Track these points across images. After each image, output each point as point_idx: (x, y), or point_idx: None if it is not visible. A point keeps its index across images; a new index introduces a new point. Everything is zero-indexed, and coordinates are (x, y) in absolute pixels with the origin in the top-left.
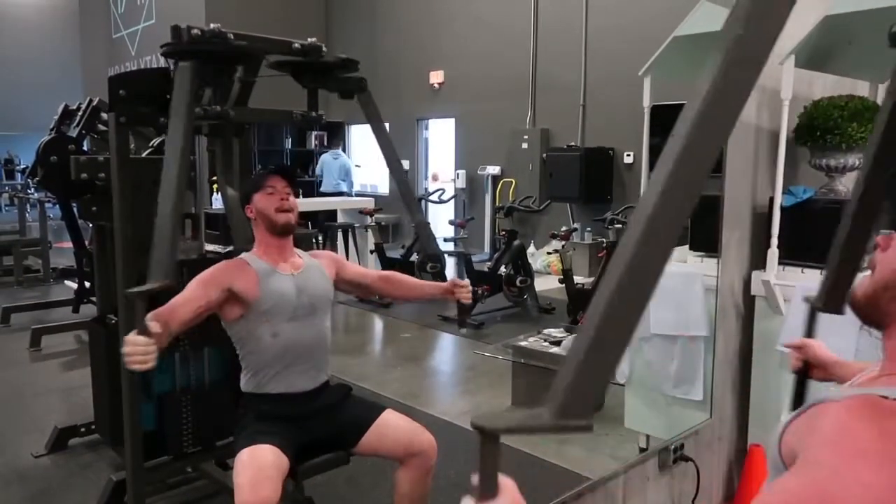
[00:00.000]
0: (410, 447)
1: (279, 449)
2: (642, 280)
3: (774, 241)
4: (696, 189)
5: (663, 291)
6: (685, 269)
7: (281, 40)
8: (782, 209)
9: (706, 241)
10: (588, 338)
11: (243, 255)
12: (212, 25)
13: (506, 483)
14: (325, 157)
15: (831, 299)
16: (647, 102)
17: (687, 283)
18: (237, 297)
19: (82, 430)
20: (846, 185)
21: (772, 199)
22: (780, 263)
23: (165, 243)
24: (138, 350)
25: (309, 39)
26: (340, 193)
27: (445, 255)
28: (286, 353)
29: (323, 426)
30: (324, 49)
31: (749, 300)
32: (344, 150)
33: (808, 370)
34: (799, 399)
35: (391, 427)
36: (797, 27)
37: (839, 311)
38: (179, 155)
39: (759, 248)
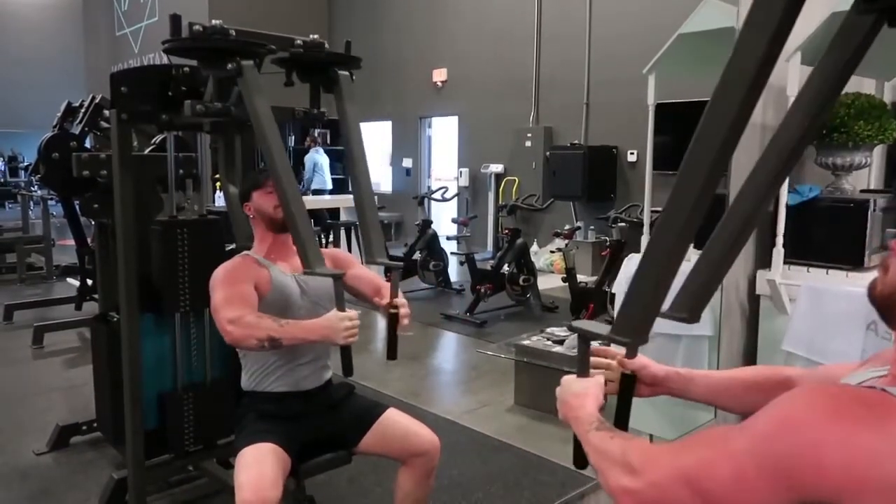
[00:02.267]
0: (413, 447)
1: (281, 448)
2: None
3: (780, 239)
4: None
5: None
6: (689, 267)
7: (283, 37)
8: (788, 208)
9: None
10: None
11: (246, 252)
12: (214, 22)
13: (597, 377)
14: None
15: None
16: (651, 100)
17: None
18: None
19: (84, 427)
20: (853, 183)
21: (777, 198)
22: (785, 262)
23: (310, 235)
24: (354, 323)
25: (311, 36)
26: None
27: (448, 254)
28: (288, 351)
29: (325, 425)
30: (326, 46)
31: (754, 299)
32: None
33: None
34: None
35: (394, 426)
36: (804, 24)
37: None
38: (284, 156)
39: (764, 247)
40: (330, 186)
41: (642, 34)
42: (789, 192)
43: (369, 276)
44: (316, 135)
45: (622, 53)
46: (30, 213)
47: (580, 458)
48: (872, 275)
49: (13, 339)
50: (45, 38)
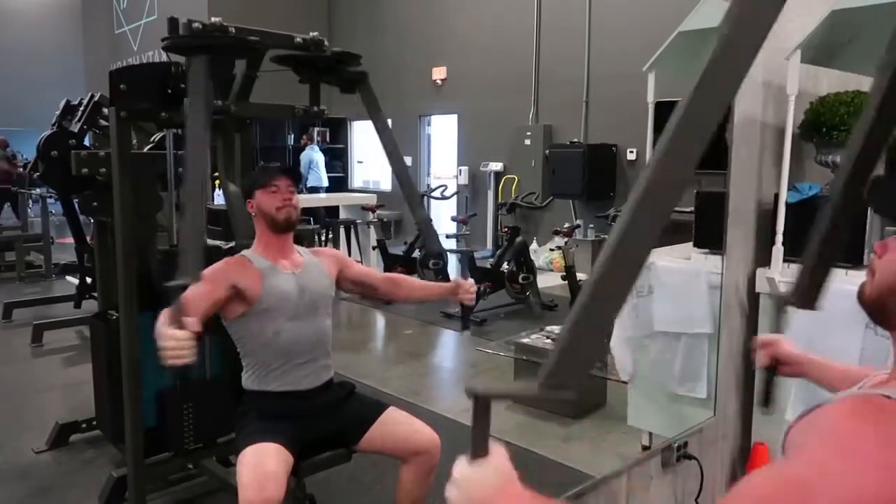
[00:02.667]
0: (414, 445)
1: (283, 446)
2: (631, 256)
3: (779, 238)
4: (687, 169)
5: (667, 288)
6: (689, 266)
7: (283, 34)
8: (787, 206)
9: (710, 237)
10: (575, 317)
11: (243, 252)
12: (213, 19)
13: (496, 448)
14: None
15: (806, 297)
16: (651, 98)
17: (691, 280)
18: (241, 294)
19: (83, 425)
20: None
21: (777, 196)
22: (784, 261)
23: (196, 239)
24: (180, 344)
25: (311, 34)
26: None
27: (447, 252)
28: (288, 351)
29: (326, 424)
30: (325, 43)
31: (754, 297)
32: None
33: (776, 366)
34: (767, 395)
35: (394, 424)
36: (804, 22)
37: (813, 308)
38: (201, 153)
39: (764, 245)
40: (326, 184)
41: (642, 31)
42: (789, 190)
43: (371, 272)
44: (312, 132)
45: (622, 51)
46: (28, 210)
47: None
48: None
49: (13, 337)
50: (44, 36)
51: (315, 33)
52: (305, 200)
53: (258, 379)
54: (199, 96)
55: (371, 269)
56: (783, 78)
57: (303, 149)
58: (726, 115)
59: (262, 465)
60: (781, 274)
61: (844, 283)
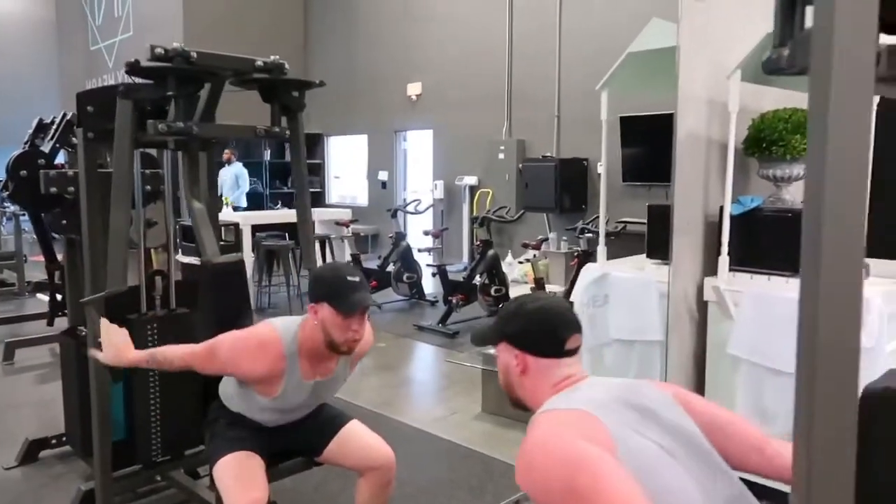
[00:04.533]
0: (369, 460)
1: (255, 454)
2: None
3: (725, 248)
4: None
5: (621, 298)
6: (641, 276)
7: (245, 58)
8: (732, 218)
9: (661, 248)
10: None
11: (283, 337)
12: (175, 45)
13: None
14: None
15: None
16: (604, 115)
17: (643, 289)
18: (254, 380)
19: (53, 441)
20: (793, 194)
21: (722, 208)
22: (730, 270)
23: (119, 254)
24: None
25: (272, 57)
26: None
27: (420, 266)
28: (268, 419)
29: (291, 433)
30: (286, 67)
31: (702, 305)
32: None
33: None
34: None
35: (353, 439)
36: (746, 42)
37: None
38: (125, 179)
39: (711, 255)
40: (245, 204)
41: (610, 50)
42: (733, 202)
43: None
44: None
45: (591, 68)
46: (1, 228)
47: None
48: None
49: None
50: (18, 53)
51: (275, 57)
52: (280, 216)
53: (231, 404)
54: (124, 130)
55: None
56: (726, 96)
57: (223, 164)
58: (671, 130)
59: (243, 470)
60: (727, 283)
61: (785, 291)
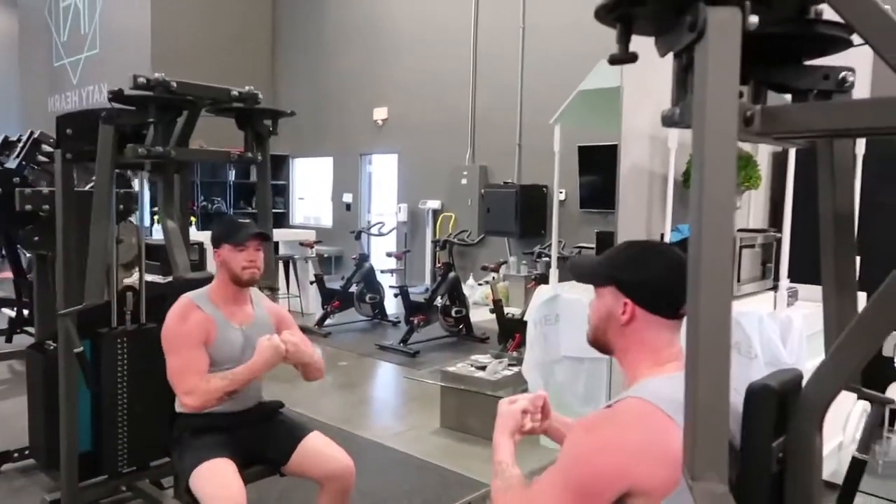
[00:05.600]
0: (330, 470)
1: (228, 458)
2: None
3: None
4: None
5: (571, 317)
6: (590, 296)
7: (221, 88)
8: (671, 244)
9: None
10: None
11: (193, 296)
12: (156, 75)
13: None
14: None
15: None
16: (557, 147)
17: None
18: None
19: (16, 455)
20: None
21: (662, 235)
22: None
23: (98, 269)
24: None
25: (246, 87)
26: None
27: (382, 287)
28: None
29: (254, 439)
30: (259, 97)
31: None
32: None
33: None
34: None
35: (314, 450)
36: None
37: None
38: (106, 198)
39: None
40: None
41: (569, 83)
42: (672, 230)
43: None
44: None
45: (551, 99)
46: None
47: None
48: (743, 303)
49: None
50: None
51: (250, 87)
52: None
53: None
54: (106, 154)
55: (304, 339)
56: (667, 133)
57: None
58: (614, 162)
59: (222, 477)
60: None
61: None
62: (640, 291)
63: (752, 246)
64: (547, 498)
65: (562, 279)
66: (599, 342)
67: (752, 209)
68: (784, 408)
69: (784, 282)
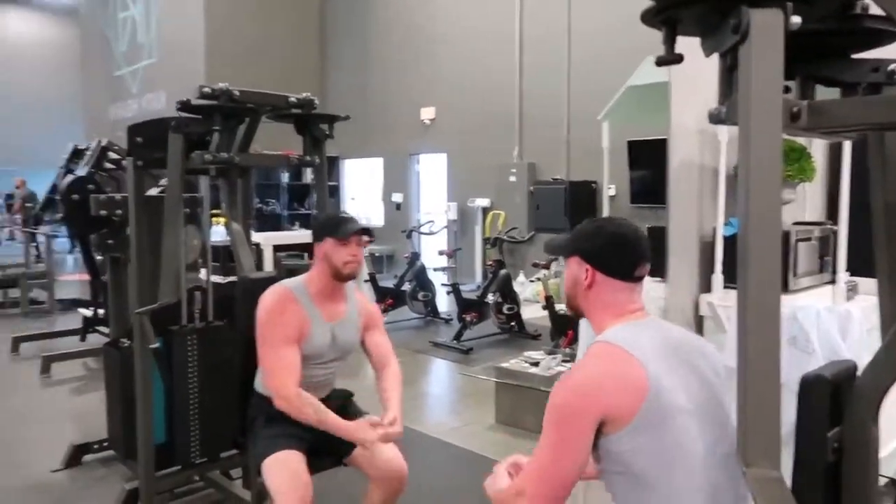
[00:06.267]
0: (387, 471)
1: (298, 451)
2: None
3: (718, 266)
4: None
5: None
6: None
7: (279, 95)
8: (724, 238)
9: (660, 267)
10: None
11: (292, 287)
12: (220, 84)
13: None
14: None
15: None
16: (605, 144)
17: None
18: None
19: (95, 446)
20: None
21: (715, 230)
22: (725, 287)
23: (172, 270)
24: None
25: (303, 94)
26: None
27: (434, 285)
28: (306, 383)
29: (324, 430)
30: (316, 102)
31: (698, 320)
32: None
33: None
34: None
35: (378, 448)
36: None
37: None
38: (177, 203)
39: (705, 273)
40: None
41: (618, 77)
42: (725, 224)
43: (383, 346)
44: None
45: (600, 93)
46: (34, 248)
47: None
48: (800, 297)
49: (21, 369)
50: (43, 79)
51: (307, 94)
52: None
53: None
54: (176, 160)
55: (384, 343)
56: (717, 127)
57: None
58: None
59: (289, 469)
60: (721, 299)
61: None
62: (597, 258)
63: (809, 239)
64: (540, 453)
65: None
66: (572, 306)
67: (808, 202)
68: (839, 398)
69: (842, 275)
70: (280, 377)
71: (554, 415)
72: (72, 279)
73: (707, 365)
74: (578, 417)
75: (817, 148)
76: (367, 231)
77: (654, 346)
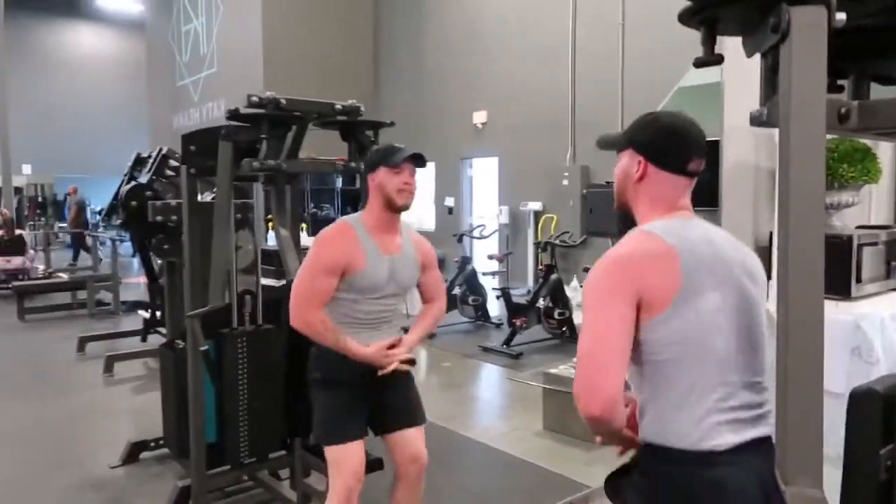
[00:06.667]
0: (412, 463)
1: (359, 438)
2: None
3: (774, 272)
4: None
5: None
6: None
7: (326, 103)
8: None
9: None
10: None
11: (351, 221)
12: (268, 93)
13: None
14: None
15: None
16: None
17: None
18: (343, 272)
19: (152, 444)
20: (842, 220)
21: (771, 234)
22: None
23: (221, 274)
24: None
25: (349, 101)
26: None
27: (485, 289)
28: (361, 320)
29: (378, 405)
30: (362, 109)
31: None
32: None
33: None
34: None
35: (412, 440)
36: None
37: None
38: (226, 209)
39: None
40: None
41: (671, 78)
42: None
43: (434, 284)
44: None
45: (653, 95)
46: (100, 253)
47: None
48: (864, 304)
49: (86, 367)
50: (113, 91)
51: (353, 101)
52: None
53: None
54: (225, 168)
55: (437, 282)
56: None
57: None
58: (716, 158)
59: (350, 470)
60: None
61: (833, 314)
62: (651, 149)
63: (875, 244)
64: (583, 337)
65: None
66: (621, 203)
67: (873, 204)
68: (892, 413)
69: None
70: (306, 301)
71: (591, 297)
72: (136, 282)
73: (744, 272)
74: (616, 293)
75: (885, 148)
76: (419, 157)
77: (695, 243)
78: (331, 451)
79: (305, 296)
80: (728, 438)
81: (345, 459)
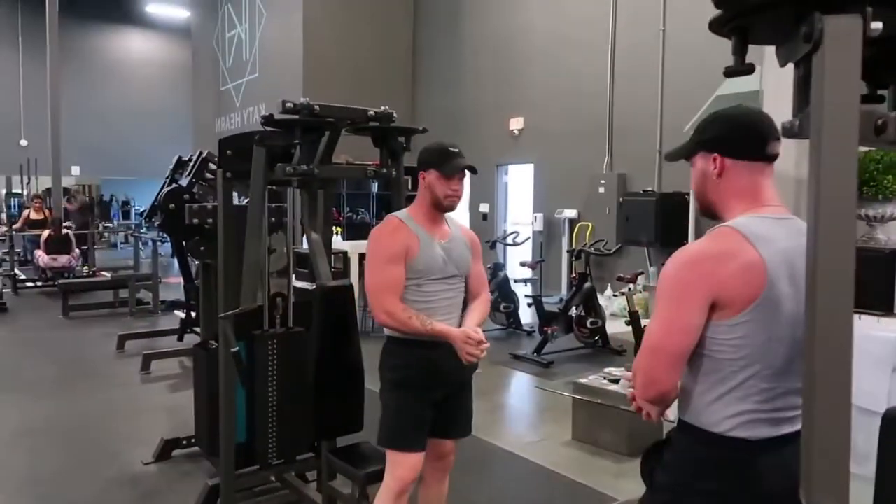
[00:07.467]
0: (439, 460)
1: (423, 451)
2: None
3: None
4: None
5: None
6: None
7: (359, 109)
8: None
9: None
10: None
11: (399, 215)
12: (301, 99)
13: None
14: None
15: None
16: None
17: None
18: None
19: (184, 442)
20: (887, 233)
21: None
22: None
23: (253, 277)
24: (482, 348)
25: (382, 107)
26: None
27: (517, 297)
28: (429, 302)
29: (441, 412)
30: (394, 115)
31: None
32: None
33: None
34: None
35: (450, 452)
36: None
37: None
38: (259, 212)
39: None
40: None
41: (711, 85)
42: None
43: (479, 276)
44: None
45: (693, 103)
46: (140, 253)
47: None
48: None
49: (125, 365)
50: (159, 95)
51: (385, 107)
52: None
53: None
54: (259, 172)
55: (481, 274)
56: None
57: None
58: None
59: (408, 480)
60: None
61: (875, 330)
62: (723, 142)
63: None
64: (652, 328)
65: None
66: (703, 206)
67: None
68: None
69: None
70: (382, 292)
71: (666, 289)
72: (175, 282)
73: None
74: (692, 290)
75: None
76: (471, 169)
77: (783, 245)
78: (393, 455)
79: (380, 287)
80: (763, 431)
81: (405, 461)
